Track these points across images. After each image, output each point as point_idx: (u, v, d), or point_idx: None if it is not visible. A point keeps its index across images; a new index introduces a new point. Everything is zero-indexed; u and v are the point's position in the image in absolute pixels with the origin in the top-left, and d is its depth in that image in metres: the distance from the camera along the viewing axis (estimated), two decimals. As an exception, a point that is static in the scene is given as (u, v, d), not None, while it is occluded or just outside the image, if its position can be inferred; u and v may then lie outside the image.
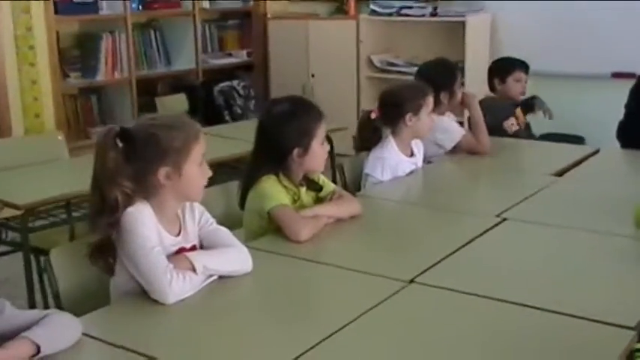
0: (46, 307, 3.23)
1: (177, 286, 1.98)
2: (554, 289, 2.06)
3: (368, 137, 3.26)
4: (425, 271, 2.16)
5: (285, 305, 2.02)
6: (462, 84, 4.25)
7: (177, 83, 6.25)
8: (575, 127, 5.63)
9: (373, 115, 3.24)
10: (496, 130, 3.99)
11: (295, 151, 2.58)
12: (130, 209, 2.03)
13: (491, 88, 4.32)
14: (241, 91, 6.07)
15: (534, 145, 3.99)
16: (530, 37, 5.76)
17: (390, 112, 3.24)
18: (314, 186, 2.70)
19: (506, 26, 5.97)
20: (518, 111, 4.26)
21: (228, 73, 6.45)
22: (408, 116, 3.21)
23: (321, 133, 2.63)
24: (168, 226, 2.13)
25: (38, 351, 1.64)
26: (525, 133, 4.26)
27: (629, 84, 5.58)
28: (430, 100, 3.26)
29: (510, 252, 2.39)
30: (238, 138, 4.01)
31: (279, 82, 6.61)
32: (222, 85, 6.04)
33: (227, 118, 5.97)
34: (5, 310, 1.72)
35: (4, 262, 3.50)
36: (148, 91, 5.97)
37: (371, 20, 6.19)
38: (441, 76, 3.61)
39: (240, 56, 6.67)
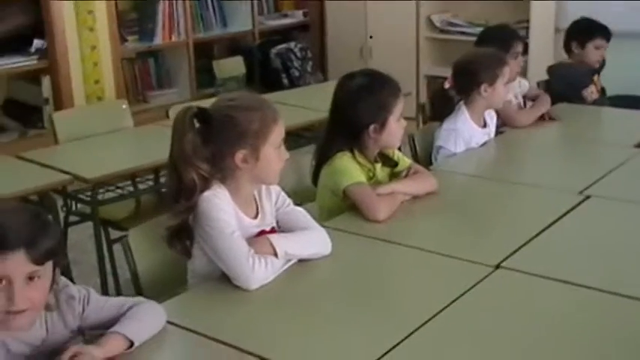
0: (115, 277, 3.25)
1: (259, 272, 1.94)
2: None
3: (441, 108, 3.16)
4: (511, 255, 2.08)
5: (367, 293, 1.96)
6: (523, 51, 4.10)
7: (233, 46, 6.18)
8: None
9: (447, 85, 3.14)
10: (575, 98, 3.84)
11: (371, 127, 2.50)
12: (206, 193, 1.98)
13: (568, 50, 4.11)
14: (298, 53, 5.96)
15: (614, 113, 3.81)
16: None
17: (464, 82, 3.13)
18: (389, 162, 2.62)
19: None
20: (596, 78, 4.08)
21: (285, 34, 6.34)
22: (483, 87, 3.09)
23: (398, 108, 2.54)
24: (246, 209, 2.08)
25: (131, 345, 1.63)
26: (605, 100, 4.08)
27: None
28: (507, 69, 3.13)
29: (598, 234, 2.28)
30: (302, 106, 3.93)
31: (336, 43, 6.48)
32: (279, 47, 5.93)
33: (285, 81, 5.88)
34: (91, 300, 1.70)
35: (72, 229, 3.51)
36: (205, 54, 5.91)
37: (431, -21, 6.00)
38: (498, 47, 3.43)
39: (297, 16, 6.54)
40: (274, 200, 2.16)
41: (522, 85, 3.67)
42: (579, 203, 2.45)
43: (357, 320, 1.80)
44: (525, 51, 4.31)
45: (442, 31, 6.03)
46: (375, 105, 2.50)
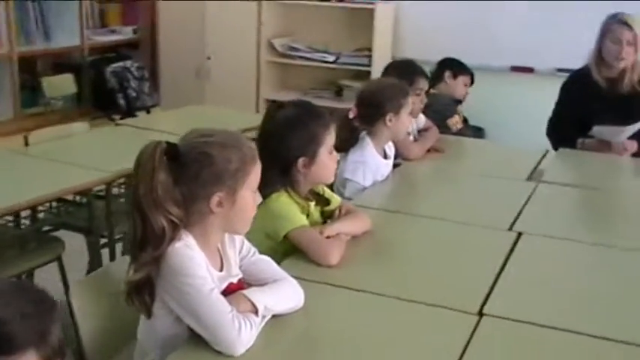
0: None
1: (245, 335, 1.69)
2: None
3: (346, 138, 3.04)
4: (486, 300, 2.01)
5: (355, 348, 1.78)
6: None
7: (59, 62, 5.64)
8: (477, 119, 5.71)
9: (352, 115, 3.03)
10: (439, 127, 3.91)
11: (300, 161, 2.32)
12: (178, 244, 1.71)
13: (437, 79, 4.19)
14: (136, 73, 5.58)
15: (489, 146, 3.95)
16: (433, 28, 5.75)
17: (369, 112, 3.04)
18: (322, 200, 2.46)
19: (408, 16, 5.90)
20: (460, 109, 4.20)
21: (117, 51, 5.91)
22: (388, 116, 3.03)
23: (329, 140, 2.39)
24: (211, 260, 1.81)
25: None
26: (468, 130, 4.21)
27: (527, 77, 5.77)
28: (410, 99, 3.10)
29: (551, 273, 2.27)
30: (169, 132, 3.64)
31: (170, 63, 6.16)
32: (114, 65, 5.52)
33: (121, 102, 5.47)
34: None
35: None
36: (26, 70, 5.34)
37: (273, 2, 5.90)
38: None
39: (125, 33, 6.14)
40: (238, 248, 1.92)
41: (419, 120, 3.67)
42: (516, 241, 2.44)
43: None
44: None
45: (283, 55, 5.96)
46: (303, 137, 2.33)
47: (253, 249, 1.95)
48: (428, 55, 5.36)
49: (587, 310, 2.03)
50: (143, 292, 1.73)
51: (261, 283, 1.89)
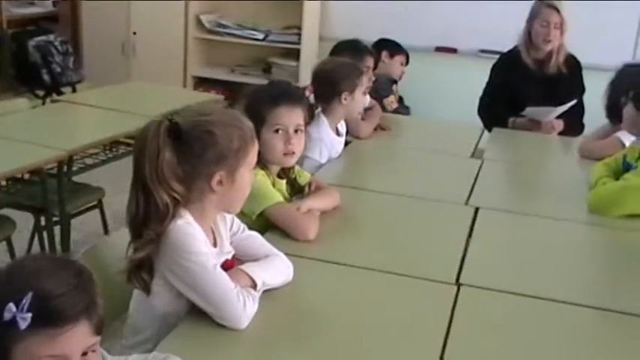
0: None
1: (249, 309, 1.74)
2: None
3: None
4: (460, 271, 2.12)
5: (351, 321, 1.85)
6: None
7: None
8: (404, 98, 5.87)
9: (308, 92, 3.08)
10: (376, 106, 4.01)
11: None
12: (179, 222, 1.73)
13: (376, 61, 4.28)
14: (60, 47, 5.41)
15: (419, 123, 4.08)
16: (360, 8, 5.82)
17: (325, 90, 3.11)
18: (291, 177, 2.52)
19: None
20: (395, 88, 4.31)
21: (34, 24, 5.71)
22: (344, 95, 3.10)
23: (272, 119, 2.37)
24: (207, 237, 1.84)
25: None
26: (403, 108, 4.33)
27: (451, 58, 5.93)
28: (365, 78, 3.18)
29: (511, 244, 2.42)
30: (123, 110, 3.61)
31: (94, 38, 6.00)
32: (37, 39, 5.33)
33: (45, 77, 5.30)
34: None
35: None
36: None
37: (200, -23, 5.84)
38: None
39: (45, 6, 5.94)
40: (229, 225, 1.95)
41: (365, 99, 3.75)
42: (475, 215, 2.57)
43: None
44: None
45: (211, 31, 5.91)
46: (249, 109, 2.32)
47: (243, 225, 1.99)
48: (354, 35, 5.47)
49: (550, 276, 2.18)
50: (143, 269, 1.74)
51: (252, 259, 1.93)
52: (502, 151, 3.60)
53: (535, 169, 3.34)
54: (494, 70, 4.24)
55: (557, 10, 3.97)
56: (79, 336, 1.20)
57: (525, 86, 4.03)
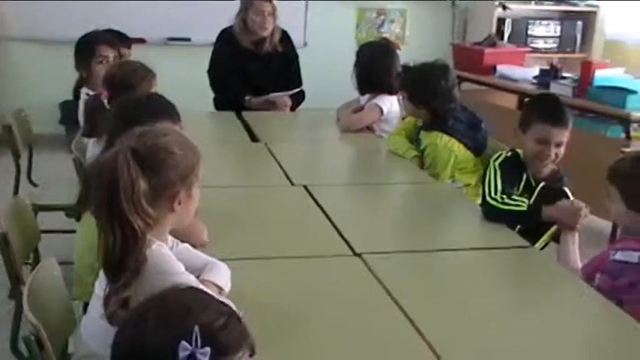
0: None
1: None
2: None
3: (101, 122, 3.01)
4: (348, 243, 2.39)
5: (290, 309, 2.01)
6: None
7: None
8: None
9: (104, 97, 3.02)
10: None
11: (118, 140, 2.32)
12: (153, 247, 1.75)
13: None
14: None
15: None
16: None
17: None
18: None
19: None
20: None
21: None
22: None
23: None
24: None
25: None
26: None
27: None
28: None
29: (359, 210, 2.78)
30: None
31: None
32: None
33: None
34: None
35: None
36: None
37: None
38: None
39: None
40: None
41: None
42: (310, 193, 2.83)
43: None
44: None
45: None
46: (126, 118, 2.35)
47: (175, 240, 2.01)
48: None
49: (406, 231, 2.58)
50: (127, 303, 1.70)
51: (193, 269, 1.97)
52: (266, 134, 3.84)
53: (314, 147, 3.69)
54: (217, 45, 4.51)
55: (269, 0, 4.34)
56: (245, 359, 1.25)
57: (245, 62, 4.35)
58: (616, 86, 4.37)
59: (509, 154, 2.77)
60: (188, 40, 5.99)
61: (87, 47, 3.64)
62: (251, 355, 1.28)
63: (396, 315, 1.94)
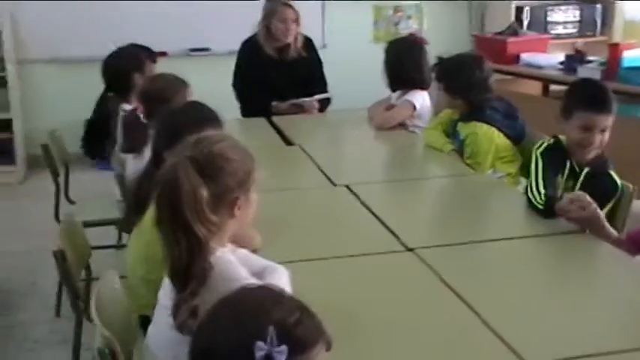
0: None
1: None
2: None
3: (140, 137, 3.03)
4: (399, 238, 2.39)
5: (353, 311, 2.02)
6: None
7: None
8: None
9: (140, 111, 3.04)
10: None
11: (166, 154, 2.30)
12: (218, 253, 1.75)
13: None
14: None
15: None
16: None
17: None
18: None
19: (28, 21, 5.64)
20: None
21: None
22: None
23: None
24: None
25: None
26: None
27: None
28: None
29: (409, 206, 2.80)
30: None
31: None
32: None
33: None
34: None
35: None
36: None
37: None
38: None
39: None
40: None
41: None
42: (353, 192, 2.83)
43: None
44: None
45: None
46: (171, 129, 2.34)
47: (233, 245, 2.01)
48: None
49: (455, 223, 2.59)
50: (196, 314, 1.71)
51: (253, 274, 1.97)
52: (300, 137, 3.85)
53: (350, 146, 3.69)
54: (240, 55, 4.50)
55: (292, 7, 4.34)
56: (322, 355, 1.24)
57: (269, 70, 4.34)
58: (645, 66, 4.35)
59: (551, 141, 2.74)
60: (208, 50, 6.01)
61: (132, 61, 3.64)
62: (327, 350, 1.27)
63: (460, 307, 1.94)
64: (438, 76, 3.34)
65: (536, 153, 2.71)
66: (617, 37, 6.24)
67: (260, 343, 1.16)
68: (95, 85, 4.04)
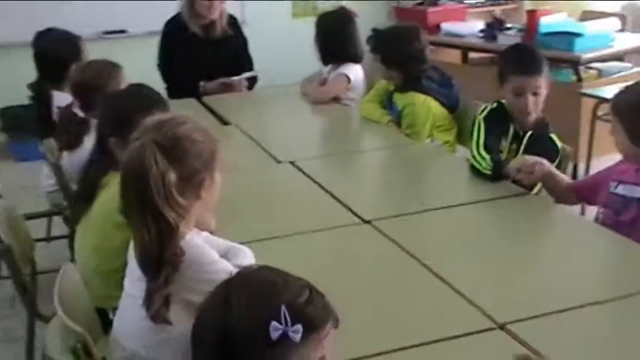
0: None
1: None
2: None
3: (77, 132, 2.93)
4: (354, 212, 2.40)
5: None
6: None
7: None
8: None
9: (75, 107, 2.94)
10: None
11: (112, 140, 2.26)
12: (187, 237, 1.71)
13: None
14: None
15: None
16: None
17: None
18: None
19: None
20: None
21: None
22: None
23: None
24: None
25: None
26: None
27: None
28: None
29: (347, 176, 2.82)
30: None
31: None
32: None
33: None
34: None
35: None
36: None
37: None
38: None
39: None
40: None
41: None
42: (299, 168, 2.81)
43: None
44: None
45: None
46: (116, 115, 2.28)
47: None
48: None
49: (406, 193, 2.60)
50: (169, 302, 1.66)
51: (221, 256, 1.94)
52: (234, 116, 3.78)
53: (286, 122, 3.65)
54: (164, 35, 4.38)
55: None
56: (332, 333, 1.25)
57: (196, 49, 4.25)
58: (562, 31, 4.48)
59: (494, 105, 2.78)
60: (124, 32, 5.83)
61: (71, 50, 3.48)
62: (335, 327, 1.28)
63: (426, 275, 1.96)
64: (373, 48, 3.35)
65: (479, 118, 2.75)
66: (528, 4, 6.41)
67: (275, 324, 1.17)
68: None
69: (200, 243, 1.72)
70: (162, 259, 1.64)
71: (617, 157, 2.36)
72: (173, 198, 1.65)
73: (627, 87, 2.30)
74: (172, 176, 1.65)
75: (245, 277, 1.27)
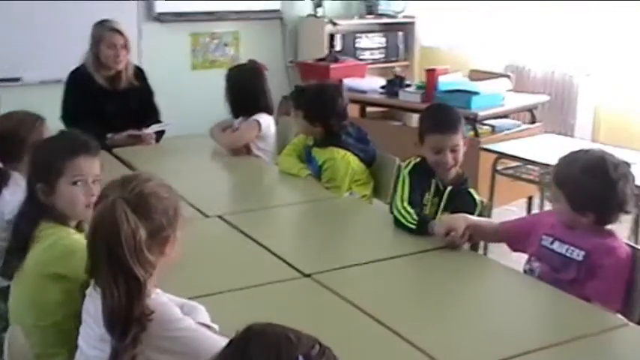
0: None
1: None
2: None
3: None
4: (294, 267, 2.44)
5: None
6: None
7: None
8: None
9: None
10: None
11: (38, 186, 2.19)
12: (153, 296, 1.71)
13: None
14: None
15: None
16: None
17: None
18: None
19: None
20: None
21: None
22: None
23: (72, 170, 2.20)
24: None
25: None
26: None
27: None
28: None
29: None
30: None
31: None
32: None
33: None
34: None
35: None
36: None
37: None
38: None
39: None
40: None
41: None
42: (226, 221, 2.84)
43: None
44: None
45: None
46: (42, 161, 2.23)
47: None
48: None
49: (338, 246, 2.66)
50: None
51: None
52: (149, 168, 3.74)
53: (204, 175, 3.65)
54: (68, 86, 4.31)
55: (121, 32, 4.24)
56: None
57: (101, 101, 4.22)
58: (460, 89, 4.74)
59: (417, 160, 2.91)
60: (18, 80, 5.65)
61: None
62: None
63: (372, 325, 2.04)
64: (297, 104, 3.44)
65: (404, 172, 2.88)
66: (416, 62, 6.74)
67: None
68: None
69: (166, 300, 1.72)
70: (130, 318, 1.63)
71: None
72: (143, 255, 1.65)
73: (564, 158, 2.41)
74: (143, 233, 1.65)
75: (259, 331, 1.29)
